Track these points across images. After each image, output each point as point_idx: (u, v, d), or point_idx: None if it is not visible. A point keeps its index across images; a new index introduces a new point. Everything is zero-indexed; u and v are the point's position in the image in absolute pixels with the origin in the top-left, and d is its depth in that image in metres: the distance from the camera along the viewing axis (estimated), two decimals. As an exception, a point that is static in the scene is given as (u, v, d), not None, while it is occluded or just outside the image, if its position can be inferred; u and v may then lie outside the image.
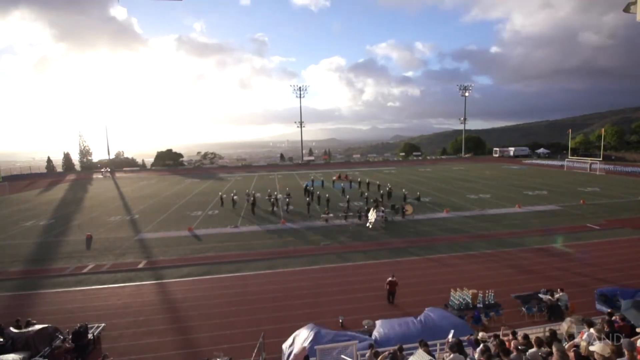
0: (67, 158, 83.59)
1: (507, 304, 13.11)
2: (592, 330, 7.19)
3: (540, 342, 6.81)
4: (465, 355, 7.05)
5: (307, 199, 31.65)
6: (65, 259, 20.16)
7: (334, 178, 49.40)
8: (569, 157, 59.89)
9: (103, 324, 12.20)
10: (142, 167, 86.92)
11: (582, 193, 35.98)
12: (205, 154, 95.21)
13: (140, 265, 18.83)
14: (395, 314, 12.74)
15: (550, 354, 6.32)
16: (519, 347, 7.07)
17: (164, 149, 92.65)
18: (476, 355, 7.10)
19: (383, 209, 26.85)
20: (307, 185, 42.15)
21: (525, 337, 7.47)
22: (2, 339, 10.11)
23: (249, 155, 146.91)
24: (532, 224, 24.66)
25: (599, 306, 12.56)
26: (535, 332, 9.35)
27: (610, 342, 6.12)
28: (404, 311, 12.95)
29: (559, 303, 12.52)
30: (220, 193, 37.19)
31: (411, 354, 7.50)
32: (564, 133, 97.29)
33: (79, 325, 11.08)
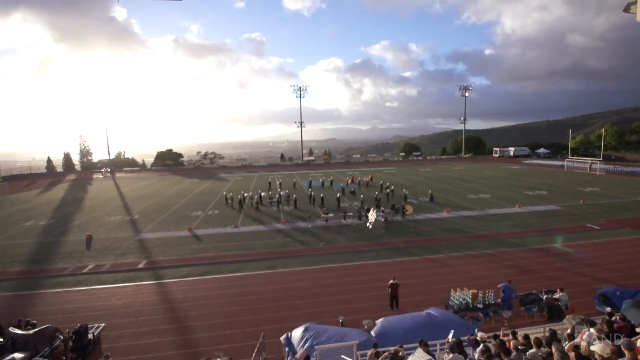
0: (67, 158, 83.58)
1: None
2: (592, 330, 7.20)
3: (539, 343, 6.80)
4: (465, 355, 7.05)
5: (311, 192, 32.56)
6: (65, 259, 20.16)
7: (348, 180, 47.76)
8: (569, 157, 59.91)
9: (103, 324, 12.20)
10: (142, 167, 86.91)
11: (582, 193, 35.99)
12: (206, 154, 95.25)
13: (140, 265, 18.84)
14: (392, 314, 12.74)
15: (551, 354, 6.32)
16: (519, 347, 7.07)
17: (164, 149, 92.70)
18: (476, 355, 7.10)
19: (383, 209, 26.87)
20: (308, 185, 42.11)
21: (526, 337, 7.47)
22: (2, 339, 10.10)
23: (249, 155, 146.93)
24: (532, 224, 24.66)
25: (598, 307, 12.56)
26: (535, 332, 9.35)
27: (610, 342, 6.12)
28: (405, 311, 12.94)
29: (559, 303, 12.52)
30: (224, 192, 37.71)
31: (411, 353, 7.50)
32: (564, 133, 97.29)
33: (79, 325, 11.09)
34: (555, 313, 12.22)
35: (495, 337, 7.96)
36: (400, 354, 7.39)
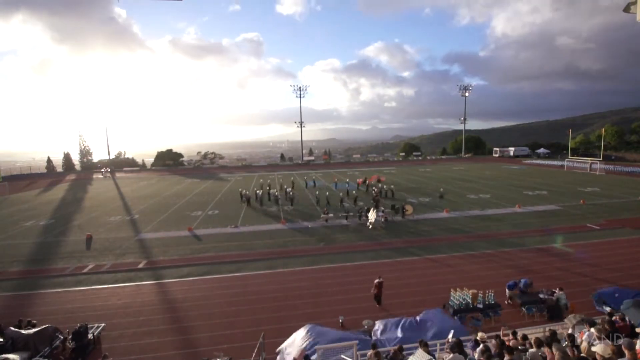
0: (67, 158, 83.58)
1: (507, 304, 13.11)
2: (592, 330, 7.20)
3: (539, 343, 6.81)
4: (465, 355, 7.05)
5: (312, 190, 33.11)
6: (65, 259, 20.16)
7: (359, 181, 46.16)
8: (569, 157, 59.89)
9: (103, 324, 12.20)
10: (142, 167, 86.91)
11: (582, 193, 35.99)
12: (206, 154, 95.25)
13: (140, 265, 18.84)
14: (394, 314, 12.73)
15: (551, 354, 6.32)
16: (519, 347, 7.08)
17: (164, 149, 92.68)
18: (476, 355, 7.10)
19: (383, 209, 26.87)
20: (307, 185, 42.05)
21: (525, 337, 7.48)
22: (2, 339, 10.10)
23: (249, 155, 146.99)
24: (532, 224, 24.65)
25: (598, 307, 12.56)
26: (535, 332, 9.36)
27: (610, 343, 6.13)
28: (406, 311, 12.92)
29: (559, 303, 12.52)
30: (240, 189, 40.17)
31: (411, 354, 7.50)
32: (563, 133, 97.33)
33: (79, 325, 11.09)
34: (555, 313, 12.22)
35: (496, 337, 7.97)
36: (400, 354, 7.40)
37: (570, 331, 8.22)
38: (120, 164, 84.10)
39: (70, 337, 10.99)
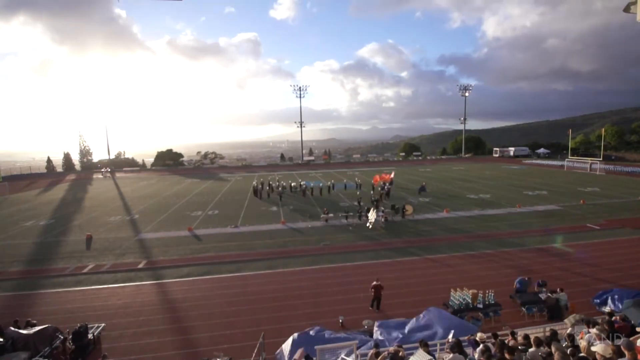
0: (67, 158, 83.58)
1: (507, 304, 13.11)
2: (592, 330, 7.20)
3: (539, 342, 6.81)
4: (465, 355, 7.06)
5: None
6: (65, 259, 20.16)
7: (375, 180, 42.86)
8: (569, 157, 59.90)
9: (103, 324, 12.19)
10: (142, 167, 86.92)
11: (582, 193, 35.99)
12: (206, 154, 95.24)
13: (140, 265, 18.84)
14: (394, 314, 12.74)
15: (551, 354, 6.32)
16: (519, 347, 7.07)
17: (164, 149, 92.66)
18: (476, 355, 7.10)
19: (383, 209, 26.88)
20: (306, 185, 41.99)
21: (526, 337, 7.47)
22: (2, 339, 10.10)
23: (249, 155, 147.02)
24: (532, 224, 24.66)
25: (598, 306, 12.57)
26: (535, 332, 9.35)
27: (610, 343, 6.13)
28: (406, 311, 12.93)
29: (559, 303, 12.52)
30: (254, 183, 43.63)
31: (411, 354, 7.51)
32: (563, 133, 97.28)
33: (79, 325, 11.07)
34: (555, 313, 12.22)
35: (495, 336, 7.96)
36: (400, 354, 7.39)
37: (570, 331, 8.21)
38: (120, 164, 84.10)
39: (70, 337, 10.99)
